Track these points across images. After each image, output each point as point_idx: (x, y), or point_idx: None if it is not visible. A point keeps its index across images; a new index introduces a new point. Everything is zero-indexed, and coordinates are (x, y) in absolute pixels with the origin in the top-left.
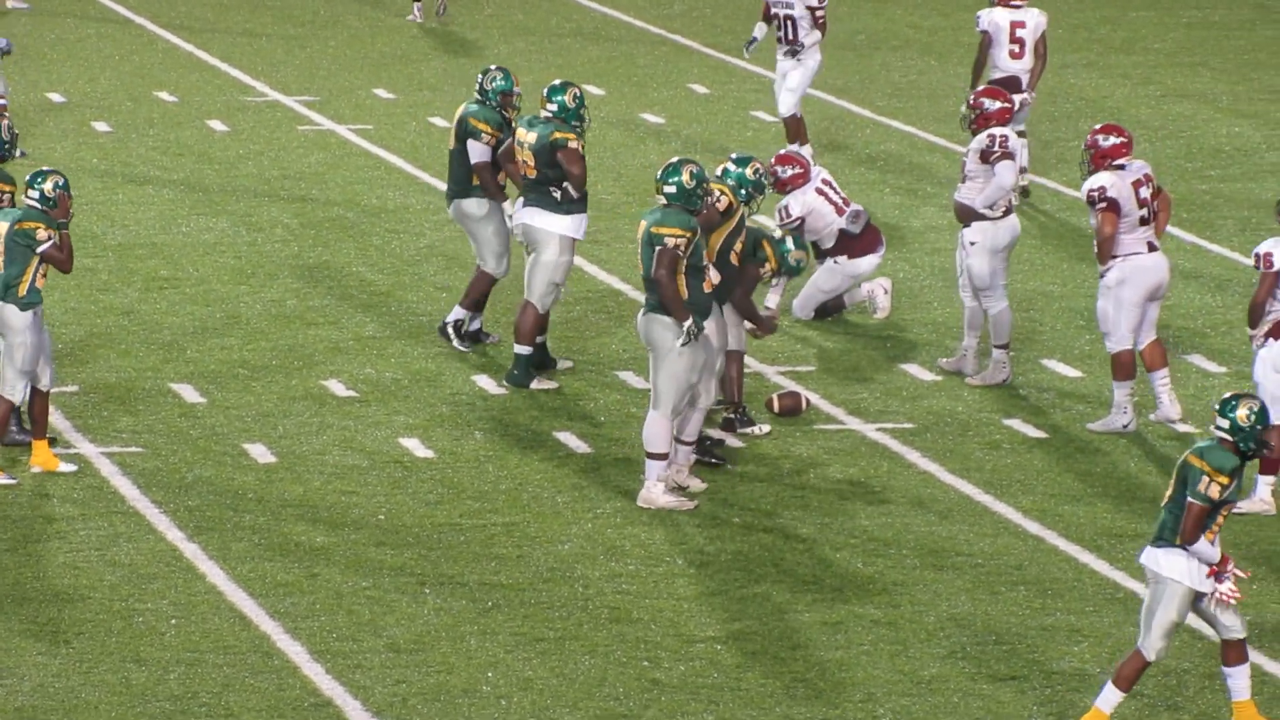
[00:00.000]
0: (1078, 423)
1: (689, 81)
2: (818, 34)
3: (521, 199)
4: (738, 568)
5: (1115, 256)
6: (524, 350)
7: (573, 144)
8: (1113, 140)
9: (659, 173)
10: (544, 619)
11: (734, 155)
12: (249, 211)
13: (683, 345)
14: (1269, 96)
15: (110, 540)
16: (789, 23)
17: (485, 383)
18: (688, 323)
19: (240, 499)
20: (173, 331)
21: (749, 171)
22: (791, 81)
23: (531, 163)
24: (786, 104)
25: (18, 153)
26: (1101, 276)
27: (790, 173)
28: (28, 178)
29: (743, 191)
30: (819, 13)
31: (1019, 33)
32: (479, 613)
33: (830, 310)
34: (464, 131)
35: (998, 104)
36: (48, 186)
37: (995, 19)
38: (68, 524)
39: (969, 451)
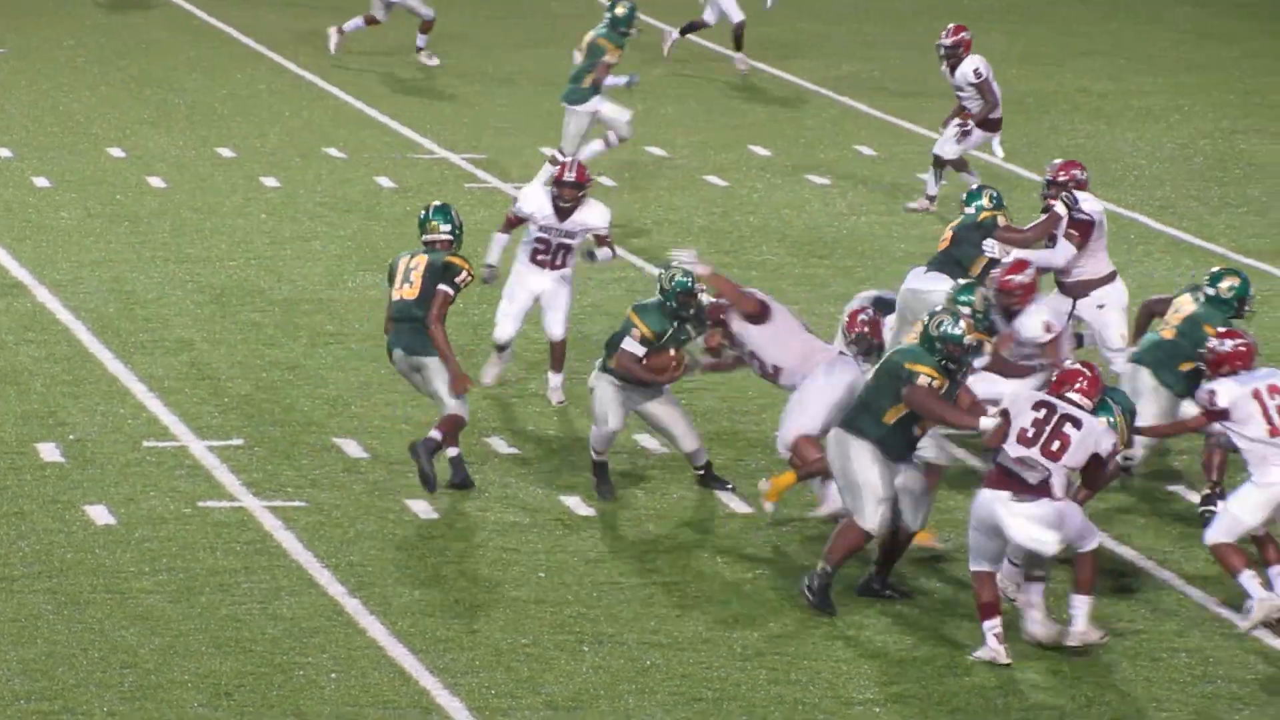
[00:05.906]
0: None
1: (856, 143)
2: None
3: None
4: (898, 630)
5: None
6: None
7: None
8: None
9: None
10: (702, 679)
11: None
12: None
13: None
14: None
15: (272, 594)
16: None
17: (647, 442)
18: None
19: (402, 554)
20: (337, 387)
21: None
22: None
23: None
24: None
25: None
26: None
27: (1024, 281)
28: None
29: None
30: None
31: None
32: (637, 671)
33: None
34: None
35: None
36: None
37: None
38: (230, 576)
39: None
